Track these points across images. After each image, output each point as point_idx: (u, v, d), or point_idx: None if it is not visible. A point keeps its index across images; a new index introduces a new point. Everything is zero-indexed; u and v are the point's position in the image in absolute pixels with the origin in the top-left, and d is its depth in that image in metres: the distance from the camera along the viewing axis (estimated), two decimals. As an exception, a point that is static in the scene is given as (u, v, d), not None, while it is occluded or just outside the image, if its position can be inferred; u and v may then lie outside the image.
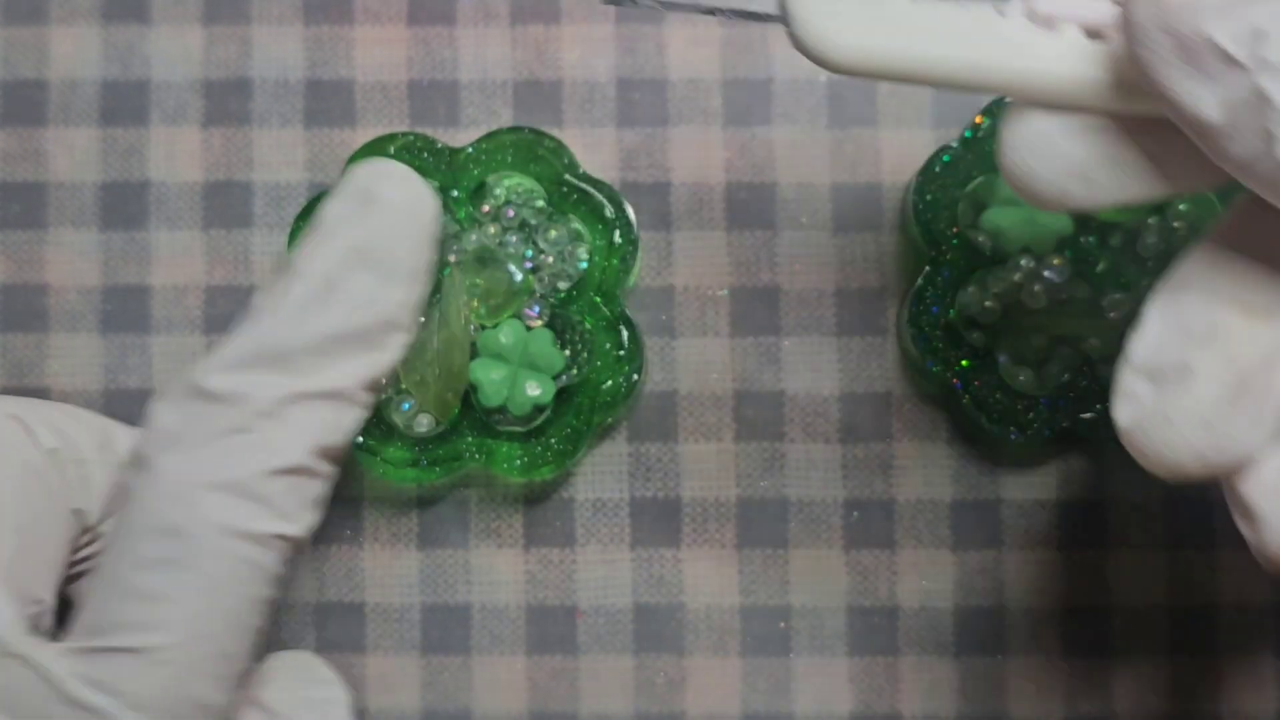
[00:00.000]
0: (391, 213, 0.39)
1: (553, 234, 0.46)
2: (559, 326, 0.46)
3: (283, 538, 0.37)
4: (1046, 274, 0.45)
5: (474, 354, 0.46)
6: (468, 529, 0.48)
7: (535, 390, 0.45)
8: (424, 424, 0.46)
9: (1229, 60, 0.28)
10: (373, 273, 0.39)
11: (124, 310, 0.49)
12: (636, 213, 0.48)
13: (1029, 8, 0.33)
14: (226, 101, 0.50)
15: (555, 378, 0.46)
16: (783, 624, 0.48)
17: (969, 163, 0.46)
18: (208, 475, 0.36)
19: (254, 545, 0.37)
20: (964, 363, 0.45)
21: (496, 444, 0.46)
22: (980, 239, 0.46)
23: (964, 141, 0.46)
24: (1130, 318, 0.45)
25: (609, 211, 0.46)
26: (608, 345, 0.46)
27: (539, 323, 0.46)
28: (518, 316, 0.46)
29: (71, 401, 0.49)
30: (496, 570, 0.48)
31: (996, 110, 0.46)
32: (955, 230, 0.46)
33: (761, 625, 0.48)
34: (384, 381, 0.40)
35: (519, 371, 0.45)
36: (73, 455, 0.40)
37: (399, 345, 0.40)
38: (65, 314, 0.49)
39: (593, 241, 0.46)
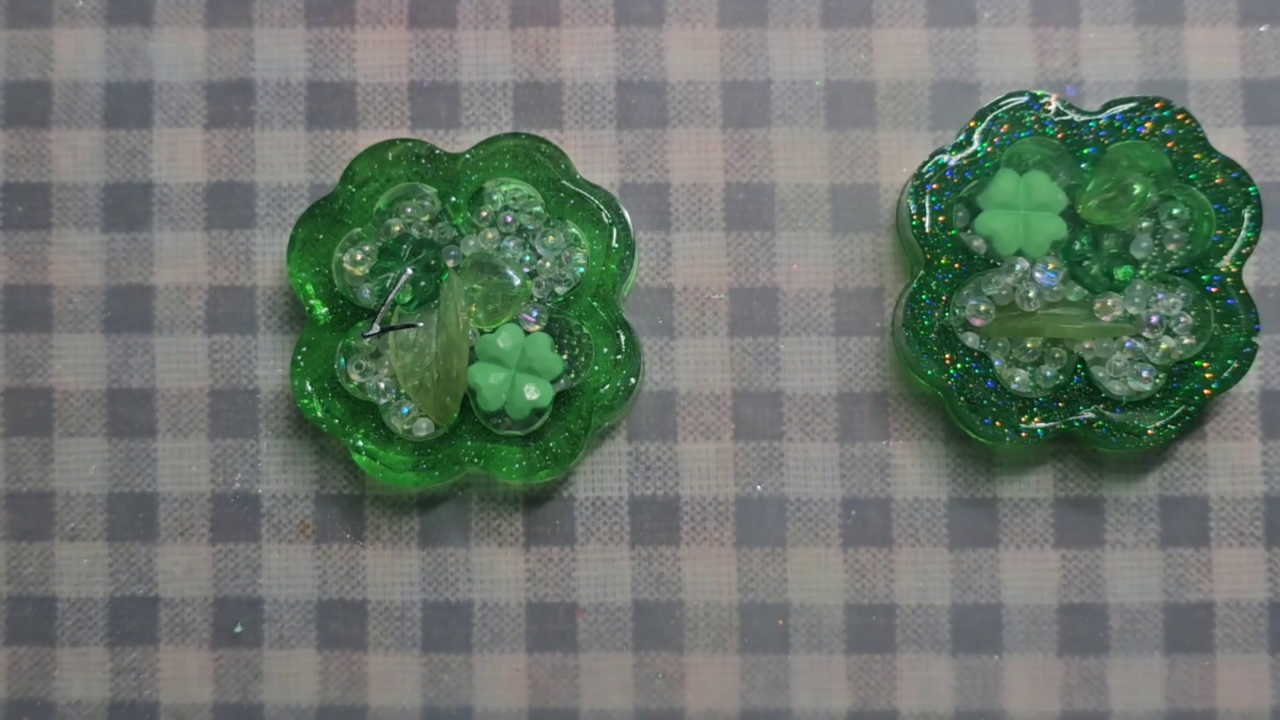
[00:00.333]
0: None
1: (550, 239, 0.46)
2: (557, 331, 0.46)
3: None
4: (1040, 277, 0.46)
5: (472, 358, 0.46)
6: (468, 528, 0.48)
7: (534, 394, 0.45)
8: (423, 428, 0.46)
9: None
10: None
11: (127, 310, 0.49)
12: (635, 213, 0.49)
13: None
14: (229, 103, 0.50)
15: (553, 382, 0.46)
16: (781, 621, 0.48)
17: (963, 166, 0.46)
18: None
19: None
20: (959, 364, 0.46)
21: (495, 448, 0.46)
22: (975, 242, 0.46)
23: (959, 145, 0.46)
24: (1123, 320, 0.46)
25: (606, 216, 0.46)
26: (605, 349, 0.46)
27: (537, 327, 0.46)
28: (516, 321, 0.46)
29: (74, 400, 0.49)
30: (497, 568, 0.48)
31: (990, 114, 0.46)
32: (950, 233, 0.46)
33: (760, 623, 0.48)
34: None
35: (517, 376, 0.45)
36: None
37: None
38: (69, 314, 0.49)
39: (590, 246, 0.46)
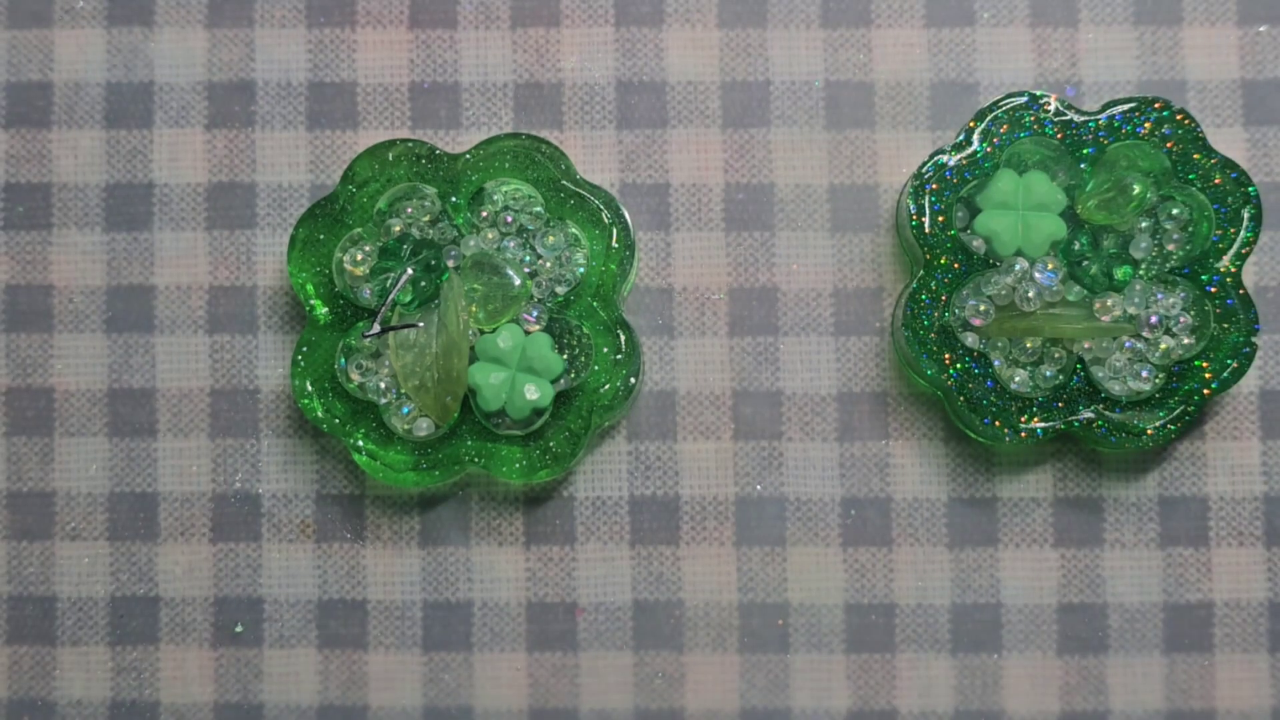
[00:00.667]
0: None
1: (550, 239, 0.46)
2: (557, 331, 0.46)
3: None
4: (1040, 277, 0.46)
5: (473, 358, 0.46)
6: (469, 527, 0.48)
7: (534, 394, 0.45)
8: (423, 428, 0.46)
9: None
10: None
11: (128, 310, 0.49)
12: (635, 214, 0.49)
13: None
14: (230, 103, 0.50)
15: (554, 381, 0.46)
16: (781, 621, 0.48)
17: (963, 166, 0.46)
18: None
19: None
20: (959, 364, 0.46)
21: (496, 447, 0.46)
22: (974, 242, 0.46)
23: (958, 145, 0.46)
24: (1122, 320, 0.46)
25: (606, 216, 0.46)
26: (605, 349, 0.46)
27: (537, 327, 0.46)
28: (516, 321, 0.46)
29: (75, 400, 0.49)
30: (497, 568, 0.48)
31: (989, 114, 0.46)
32: (950, 234, 0.46)
33: (759, 622, 0.48)
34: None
35: (518, 375, 0.45)
36: None
37: None
38: (70, 314, 0.49)
39: (590, 246, 0.46)
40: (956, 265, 0.46)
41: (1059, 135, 0.46)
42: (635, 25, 0.49)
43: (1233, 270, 0.46)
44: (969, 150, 0.46)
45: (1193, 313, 0.46)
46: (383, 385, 0.46)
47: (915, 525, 0.48)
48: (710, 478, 0.48)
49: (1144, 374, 0.46)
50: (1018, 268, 0.46)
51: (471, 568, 0.48)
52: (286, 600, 0.48)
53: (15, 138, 0.50)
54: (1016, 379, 0.46)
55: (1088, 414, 0.46)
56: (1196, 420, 0.48)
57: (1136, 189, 0.46)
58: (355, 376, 0.46)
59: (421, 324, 0.45)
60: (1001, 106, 0.46)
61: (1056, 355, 0.46)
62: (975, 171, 0.46)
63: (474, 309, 0.46)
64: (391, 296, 0.45)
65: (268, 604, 0.49)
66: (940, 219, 0.46)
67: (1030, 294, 0.45)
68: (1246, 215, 0.46)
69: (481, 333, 0.46)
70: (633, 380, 0.46)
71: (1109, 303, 0.46)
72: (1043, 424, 0.45)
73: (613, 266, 0.46)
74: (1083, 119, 0.46)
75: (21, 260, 0.50)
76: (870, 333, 0.49)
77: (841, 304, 0.49)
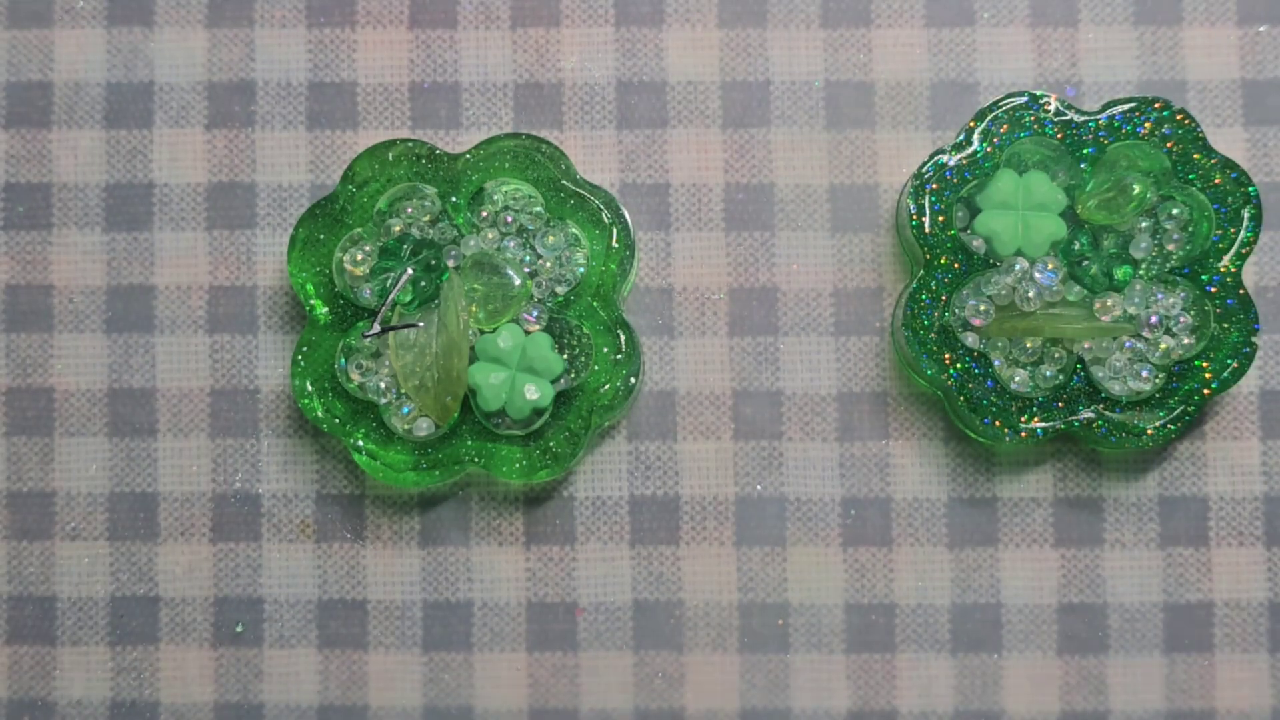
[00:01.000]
0: None
1: (550, 239, 0.46)
2: (557, 331, 0.46)
3: None
4: (1039, 277, 0.46)
5: (473, 358, 0.46)
6: (469, 527, 0.48)
7: (534, 394, 0.45)
8: (424, 428, 0.46)
9: None
10: None
11: (128, 310, 0.49)
12: (635, 214, 0.49)
13: None
14: (230, 103, 0.50)
15: (554, 381, 0.46)
16: (781, 621, 0.48)
17: (963, 166, 0.46)
18: None
19: None
20: (959, 364, 0.46)
21: (496, 447, 0.46)
22: (974, 242, 0.46)
23: (958, 145, 0.46)
24: (1122, 320, 0.46)
25: (606, 216, 0.46)
26: (605, 349, 0.46)
27: (537, 327, 0.46)
28: (516, 321, 0.46)
29: (75, 400, 0.49)
30: (497, 568, 0.48)
31: (989, 114, 0.46)
32: (950, 233, 0.46)
33: (760, 622, 0.48)
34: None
35: (518, 375, 0.45)
36: None
37: None
38: (70, 314, 0.49)
39: (590, 246, 0.46)
40: (956, 265, 0.46)
41: (1059, 135, 0.46)
42: (635, 25, 0.49)
43: (1233, 270, 0.46)
44: (969, 150, 0.46)
45: (1193, 313, 0.46)
46: (383, 385, 0.46)
47: (915, 525, 0.48)
48: (710, 478, 0.48)
49: (1144, 374, 0.46)
50: (1018, 268, 0.46)
51: (471, 568, 0.48)
52: (286, 600, 0.48)
53: (15, 138, 0.50)
54: (1016, 379, 0.46)
55: (1088, 414, 0.46)
56: (1196, 420, 0.48)
57: (1136, 189, 0.46)
58: (355, 376, 0.46)
59: (421, 324, 0.45)
60: (1001, 106, 0.46)
61: (1056, 355, 0.46)
62: (975, 171, 0.46)
63: (474, 309, 0.46)
64: (391, 296, 0.45)
65: (268, 604, 0.49)
66: (940, 219, 0.46)
67: (1030, 294, 0.46)
68: (1246, 215, 0.46)
69: (481, 333, 0.46)
70: (633, 380, 0.46)
71: (1109, 303, 0.46)
72: (1043, 424, 0.45)
73: (613, 266, 0.46)
74: (1083, 119, 0.46)
75: (22, 260, 0.50)
76: (870, 333, 0.49)
77: (841, 304, 0.49)
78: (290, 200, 0.49)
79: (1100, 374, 0.46)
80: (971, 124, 0.46)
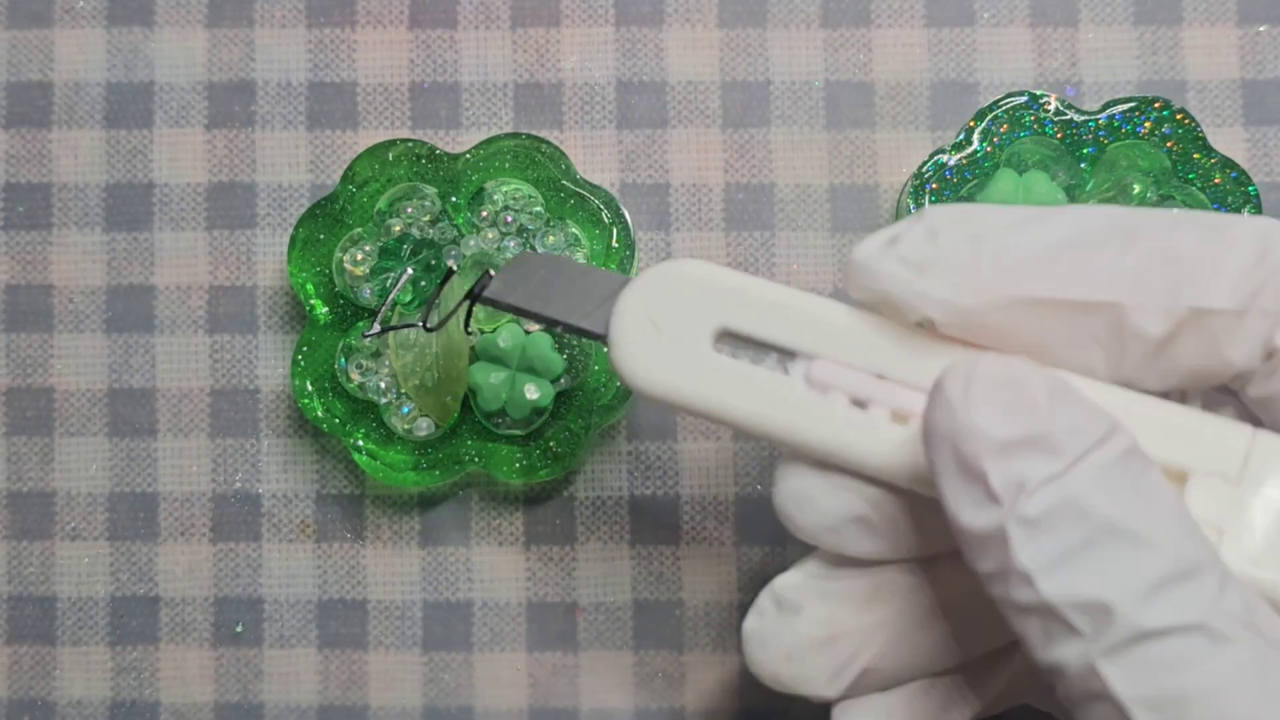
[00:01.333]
0: None
1: (551, 239, 0.46)
2: (557, 331, 0.46)
3: None
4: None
5: (473, 358, 0.46)
6: (469, 527, 0.48)
7: (534, 394, 0.45)
8: (424, 427, 0.46)
9: (991, 495, 0.31)
10: None
11: (128, 310, 0.49)
12: (635, 214, 0.49)
13: (807, 372, 0.36)
14: (230, 103, 0.50)
15: (554, 381, 0.46)
16: (780, 621, 0.48)
17: (963, 166, 0.46)
18: None
19: None
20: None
21: (496, 447, 0.46)
22: (975, 242, 0.46)
23: (958, 145, 0.46)
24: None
25: (606, 216, 0.46)
26: (606, 349, 0.46)
27: (537, 327, 0.46)
28: (516, 321, 0.46)
29: (75, 400, 0.49)
30: (497, 567, 0.48)
31: (989, 114, 0.46)
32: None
33: (759, 622, 0.48)
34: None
35: (518, 375, 0.45)
36: None
37: None
38: (70, 314, 0.49)
39: (590, 246, 0.46)
40: (956, 265, 0.46)
41: (1059, 135, 0.46)
42: (635, 25, 0.49)
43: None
44: (969, 150, 0.46)
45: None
46: (383, 385, 0.46)
47: (915, 525, 0.48)
48: (710, 477, 0.48)
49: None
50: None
51: (471, 568, 0.48)
52: (286, 600, 0.49)
53: (15, 138, 0.50)
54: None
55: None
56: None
57: (1136, 189, 0.46)
58: (355, 376, 0.46)
59: (421, 323, 0.45)
60: (1002, 106, 0.46)
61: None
62: (975, 171, 0.46)
63: (478, 309, 0.46)
64: (392, 296, 0.45)
65: (268, 604, 0.49)
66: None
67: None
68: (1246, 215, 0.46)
69: (482, 332, 0.46)
70: (633, 380, 0.46)
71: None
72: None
73: (613, 266, 0.46)
74: (1083, 119, 0.46)
75: (21, 260, 0.50)
76: (870, 333, 0.49)
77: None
78: (290, 200, 0.49)
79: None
80: (971, 123, 0.46)
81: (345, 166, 0.47)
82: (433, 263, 0.46)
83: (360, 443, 0.46)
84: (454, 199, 0.46)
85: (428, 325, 0.44)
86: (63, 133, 0.50)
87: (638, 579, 0.48)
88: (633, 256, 0.46)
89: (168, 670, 0.49)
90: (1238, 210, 0.46)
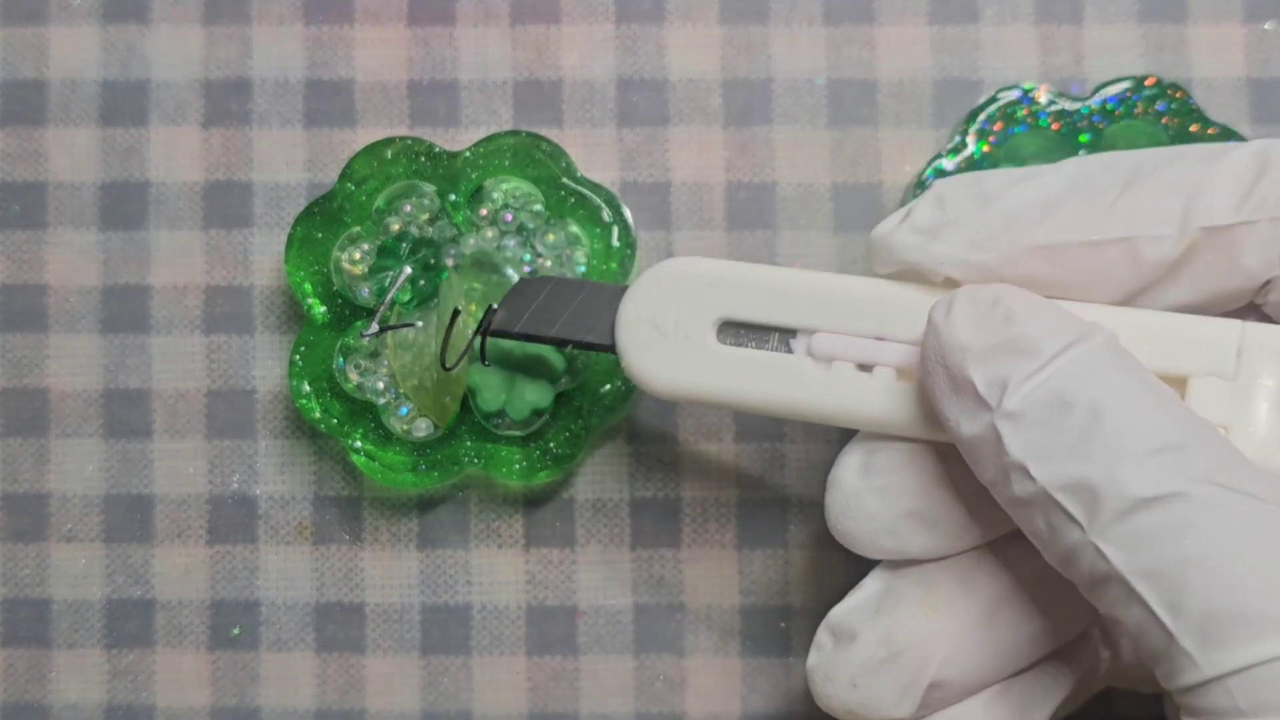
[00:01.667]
0: None
1: (550, 238, 0.46)
2: (567, 350, 0.46)
3: None
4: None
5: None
6: (468, 529, 0.48)
7: (534, 395, 0.45)
8: (422, 428, 0.46)
9: (980, 399, 0.33)
10: None
11: (124, 310, 0.49)
12: (636, 212, 0.48)
13: (809, 347, 0.38)
14: (226, 101, 0.49)
15: (554, 382, 0.46)
16: (783, 624, 0.48)
17: (962, 168, 0.46)
18: None
19: None
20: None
21: (495, 448, 0.46)
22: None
23: (955, 149, 0.46)
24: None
25: (606, 215, 0.46)
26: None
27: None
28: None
29: (70, 400, 0.49)
30: (497, 571, 0.48)
31: (980, 113, 0.46)
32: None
33: (762, 626, 0.48)
34: None
35: (517, 376, 0.45)
36: None
37: None
38: (65, 314, 0.49)
39: (590, 245, 0.46)
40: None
41: (1055, 125, 0.46)
42: (636, 22, 0.49)
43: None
44: (966, 153, 0.46)
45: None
46: (381, 385, 0.46)
47: (919, 527, 0.48)
48: (712, 480, 0.48)
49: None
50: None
51: (470, 570, 0.48)
52: (284, 603, 0.48)
53: (10, 136, 0.50)
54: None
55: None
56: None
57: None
58: (353, 376, 0.46)
59: (420, 323, 0.45)
60: (995, 103, 0.46)
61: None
62: (977, 170, 0.46)
63: (473, 308, 0.45)
64: (390, 295, 0.45)
65: (264, 607, 0.48)
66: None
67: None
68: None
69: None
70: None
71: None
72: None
73: (614, 265, 0.46)
74: (1075, 106, 0.46)
75: (16, 260, 0.49)
76: (873, 333, 0.48)
77: (844, 304, 0.48)
78: (287, 199, 0.49)
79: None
80: (965, 126, 0.46)
81: (343, 165, 0.47)
82: (431, 261, 0.46)
83: (358, 444, 0.46)
84: (453, 197, 0.46)
85: (446, 366, 0.44)
86: (58, 130, 0.50)
87: (638, 582, 0.48)
88: (633, 255, 0.46)
89: (163, 674, 0.48)
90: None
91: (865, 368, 0.38)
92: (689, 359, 0.39)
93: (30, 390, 0.49)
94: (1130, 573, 0.31)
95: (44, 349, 0.49)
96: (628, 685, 0.48)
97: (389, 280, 0.46)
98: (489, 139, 0.46)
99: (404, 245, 0.46)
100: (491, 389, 0.45)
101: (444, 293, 0.45)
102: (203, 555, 0.48)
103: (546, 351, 0.45)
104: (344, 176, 0.46)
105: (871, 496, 0.38)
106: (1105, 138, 0.46)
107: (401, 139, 0.46)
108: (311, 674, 0.48)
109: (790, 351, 0.39)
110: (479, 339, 0.43)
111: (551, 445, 0.46)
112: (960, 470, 0.37)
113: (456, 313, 0.45)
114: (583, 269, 0.46)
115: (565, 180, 0.46)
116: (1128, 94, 0.46)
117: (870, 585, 0.39)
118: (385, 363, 0.46)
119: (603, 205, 0.46)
